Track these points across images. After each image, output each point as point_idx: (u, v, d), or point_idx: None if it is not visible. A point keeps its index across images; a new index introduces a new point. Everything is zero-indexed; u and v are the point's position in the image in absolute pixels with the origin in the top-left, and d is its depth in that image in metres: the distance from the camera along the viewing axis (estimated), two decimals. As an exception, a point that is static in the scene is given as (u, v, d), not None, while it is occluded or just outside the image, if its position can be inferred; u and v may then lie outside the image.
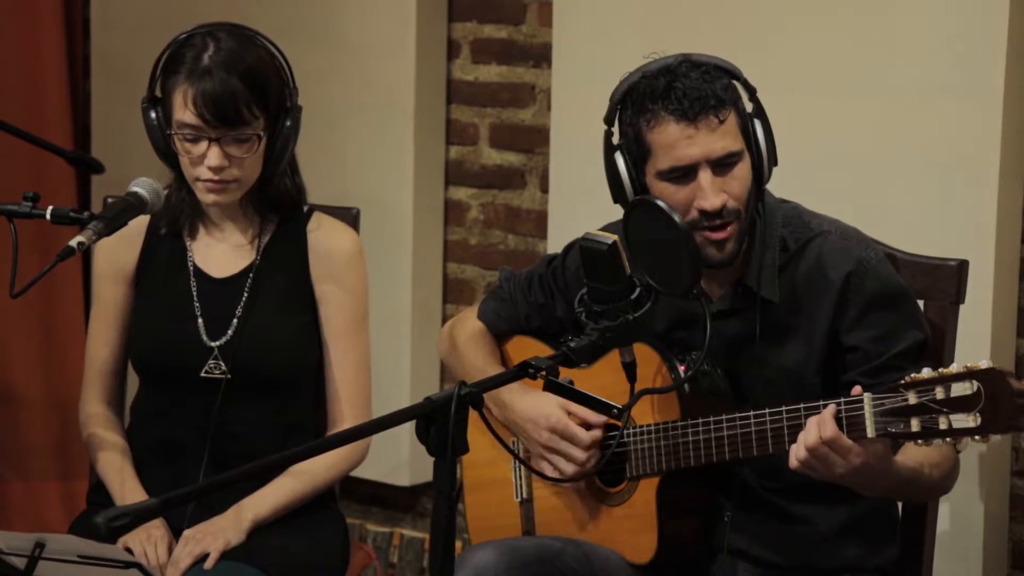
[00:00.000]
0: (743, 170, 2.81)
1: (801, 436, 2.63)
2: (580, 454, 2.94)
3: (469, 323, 3.22)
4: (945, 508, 3.32)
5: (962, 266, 3.04)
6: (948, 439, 2.49)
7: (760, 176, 2.83)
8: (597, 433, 2.94)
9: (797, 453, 2.63)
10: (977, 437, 2.46)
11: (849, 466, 2.61)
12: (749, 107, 2.84)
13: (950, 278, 3.03)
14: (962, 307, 3.06)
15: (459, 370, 3.19)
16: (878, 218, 3.01)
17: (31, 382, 4.59)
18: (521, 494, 3.13)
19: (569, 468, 2.95)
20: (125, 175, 3.04)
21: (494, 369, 3.09)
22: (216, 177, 3.05)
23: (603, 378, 2.84)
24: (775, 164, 2.85)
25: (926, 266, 3.02)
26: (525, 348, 3.11)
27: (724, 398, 2.88)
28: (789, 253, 2.88)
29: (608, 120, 2.87)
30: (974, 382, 2.45)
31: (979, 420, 2.44)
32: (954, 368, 2.48)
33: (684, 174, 2.79)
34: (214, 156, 3.03)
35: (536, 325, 3.15)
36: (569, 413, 2.95)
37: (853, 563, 2.91)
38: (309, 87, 3.22)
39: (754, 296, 2.86)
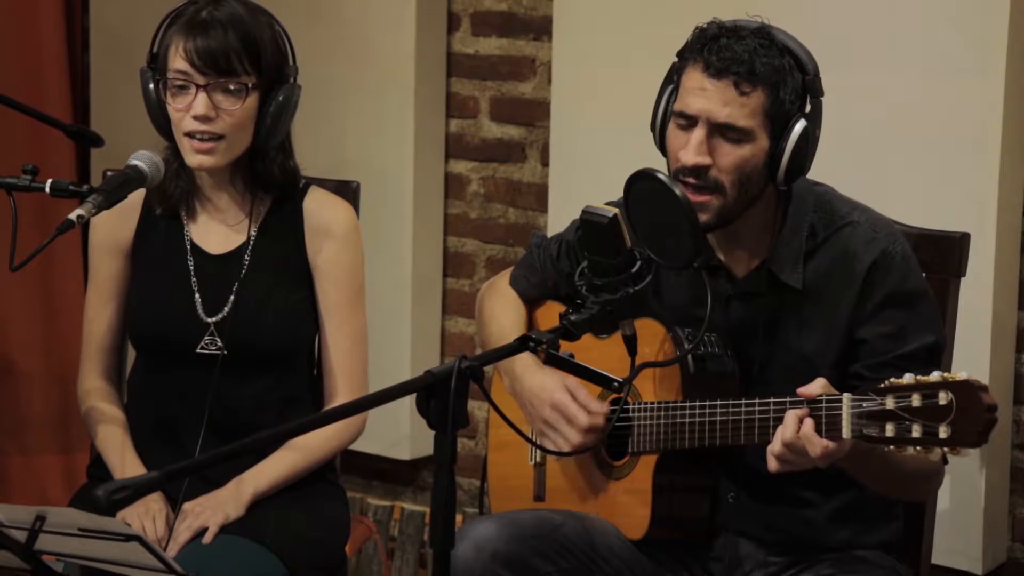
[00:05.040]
0: (746, 150, 2.76)
1: (779, 430, 2.63)
2: (575, 435, 2.93)
3: (499, 294, 3.21)
4: (946, 482, 3.31)
5: (963, 239, 3.03)
6: (919, 448, 2.48)
7: (774, 171, 2.79)
8: (597, 419, 2.92)
9: (773, 448, 2.63)
10: (946, 449, 2.46)
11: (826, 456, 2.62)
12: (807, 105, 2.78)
13: (951, 251, 3.02)
14: (963, 280, 3.05)
15: (484, 346, 3.19)
16: (880, 191, 3.00)
17: (31, 355, 4.58)
18: (535, 457, 3.14)
19: (565, 446, 2.95)
20: (124, 149, 3.04)
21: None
22: (202, 127, 3.03)
23: (609, 351, 2.83)
24: (801, 173, 2.80)
25: (927, 239, 3.02)
26: (556, 315, 3.08)
27: (731, 381, 2.87)
28: (817, 240, 2.86)
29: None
30: (948, 393, 2.44)
31: (949, 432, 2.44)
32: (933, 376, 2.47)
33: (688, 123, 2.78)
34: (200, 103, 3.02)
35: (565, 292, 3.13)
36: (573, 395, 2.95)
37: (856, 540, 2.91)
38: (309, 60, 3.21)
39: (777, 281, 2.86)
